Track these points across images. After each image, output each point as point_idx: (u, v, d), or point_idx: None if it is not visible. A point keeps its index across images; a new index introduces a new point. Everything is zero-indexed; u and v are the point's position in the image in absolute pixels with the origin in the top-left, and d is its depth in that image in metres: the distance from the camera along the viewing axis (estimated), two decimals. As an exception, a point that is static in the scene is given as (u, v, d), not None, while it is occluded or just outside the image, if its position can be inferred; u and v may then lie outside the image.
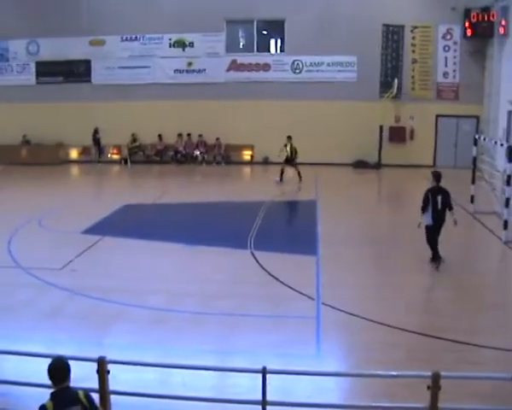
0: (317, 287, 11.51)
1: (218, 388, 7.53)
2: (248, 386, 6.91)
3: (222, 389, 7.51)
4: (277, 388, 6.68)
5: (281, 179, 23.45)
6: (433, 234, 12.68)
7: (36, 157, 29.21)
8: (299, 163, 23.65)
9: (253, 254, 13.78)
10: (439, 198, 12.47)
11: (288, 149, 23.53)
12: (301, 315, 10.15)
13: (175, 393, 6.89)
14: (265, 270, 12.62)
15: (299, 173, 23.42)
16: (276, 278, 12.04)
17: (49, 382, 5.04)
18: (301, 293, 11.13)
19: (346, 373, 8.00)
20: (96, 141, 29.44)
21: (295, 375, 7.18)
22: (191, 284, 11.90)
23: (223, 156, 28.41)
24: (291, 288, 11.42)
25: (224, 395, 7.19)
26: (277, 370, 6.78)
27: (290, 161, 23.65)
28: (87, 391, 5.20)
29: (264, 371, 6.20)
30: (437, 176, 12.69)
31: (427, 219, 12.61)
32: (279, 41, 28.86)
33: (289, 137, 23.65)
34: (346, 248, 14.39)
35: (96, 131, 29.22)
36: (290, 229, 17.99)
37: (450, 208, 12.61)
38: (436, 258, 12.70)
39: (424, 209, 12.56)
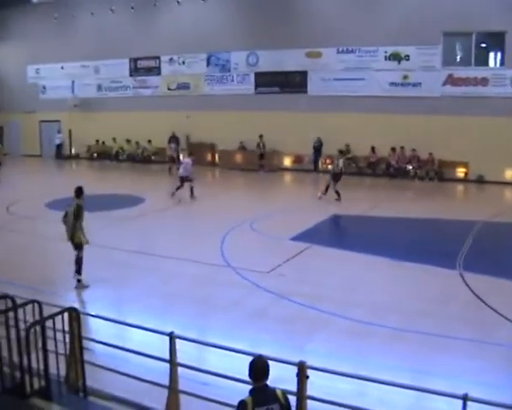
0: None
1: (415, 408, 7.40)
2: (446, 411, 6.71)
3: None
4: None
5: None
6: None
7: (251, 163, 30.68)
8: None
9: (461, 275, 13.29)
10: None
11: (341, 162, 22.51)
12: (506, 343, 9.65)
13: (370, 406, 6.86)
14: (473, 292, 12.11)
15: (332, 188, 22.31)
16: (484, 302, 11.52)
17: (248, 379, 5.26)
18: (509, 320, 10.54)
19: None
20: (317, 149, 29.96)
21: (497, 407, 6.83)
22: (394, 300, 11.80)
23: (436, 172, 27.62)
24: (498, 313, 10.87)
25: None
26: (479, 399, 6.47)
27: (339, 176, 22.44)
28: (284, 391, 5.34)
29: (465, 399, 5.95)
30: None
31: None
32: (499, 54, 27.38)
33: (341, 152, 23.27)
34: None
35: (319, 140, 29.71)
36: (506, 252, 16.76)
37: None
38: None
39: None
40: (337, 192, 22.18)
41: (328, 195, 22.19)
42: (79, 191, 12.98)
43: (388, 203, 22.58)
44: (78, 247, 12.87)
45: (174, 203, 22.30)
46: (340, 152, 23.62)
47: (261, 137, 30.54)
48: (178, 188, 22.70)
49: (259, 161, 31.03)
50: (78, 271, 12.82)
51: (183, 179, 22.60)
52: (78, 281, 12.84)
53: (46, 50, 37.52)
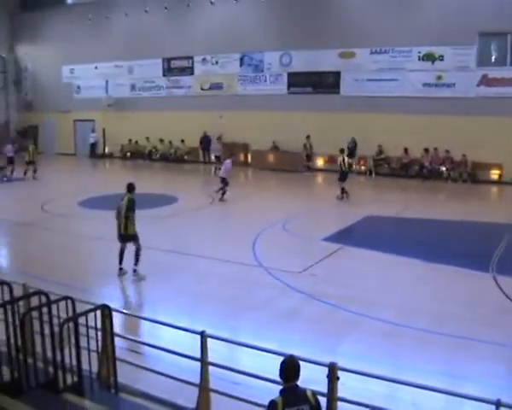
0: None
1: (447, 412, 7.33)
2: (479, 417, 6.62)
3: (451, 414, 7.29)
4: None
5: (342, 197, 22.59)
6: None
7: (283, 163, 30.66)
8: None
9: (494, 278, 13.11)
10: None
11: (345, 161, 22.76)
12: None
13: (401, 409, 6.83)
14: (506, 295, 11.94)
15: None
16: (518, 306, 11.36)
17: (278, 379, 5.25)
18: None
19: None
20: (351, 150, 29.68)
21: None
22: (425, 301, 11.70)
23: (469, 174, 27.29)
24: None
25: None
26: (512, 405, 6.38)
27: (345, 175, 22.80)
28: (314, 392, 5.32)
29: (498, 404, 5.85)
30: None
31: None
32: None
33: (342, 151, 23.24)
34: None
35: (353, 141, 29.48)
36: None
37: None
38: None
39: None
40: (342, 190, 22.76)
41: (358, 196, 22.06)
42: (131, 187, 13.51)
43: (421, 205, 22.38)
44: (134, 238, 13.32)
45: (207, 203, 22.41)
46: (341, 151, 23.54)
47: (308, 137, 30.28)
48: (221, 189, 22.65)
49: (306, 162, 30.87)
50: (136, 262, 13.23)
51: (224, 180, 22.70)
52: (134, 271, 13.25)
53: (80, 51, 38.00)
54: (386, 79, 28.73)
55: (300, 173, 29.46)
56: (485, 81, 26.78)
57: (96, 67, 38.35)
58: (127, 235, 13.31)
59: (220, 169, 23.86)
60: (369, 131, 28.69)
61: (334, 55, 29.90)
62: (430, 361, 8.95)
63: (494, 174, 27.18)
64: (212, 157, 32.70)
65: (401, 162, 28.97)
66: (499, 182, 26.94)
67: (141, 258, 13.30)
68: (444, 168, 27.75)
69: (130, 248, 13.43)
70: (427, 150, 27.96)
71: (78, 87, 39.92)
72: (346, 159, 23.09)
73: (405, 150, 28.56)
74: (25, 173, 28.34)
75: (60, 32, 38.68)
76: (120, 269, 13.44)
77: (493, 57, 27.57)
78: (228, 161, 23.18)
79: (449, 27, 26.40)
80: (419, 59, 28.04)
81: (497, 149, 26.08)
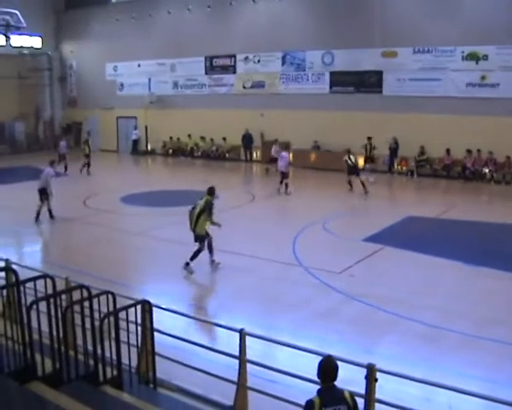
0: None
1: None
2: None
3: (489, 420, 7.19)
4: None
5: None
6: None
7: (324, 162, 30.52)
8: None
9: (538, 283, 12.88)
10: None
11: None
12: None
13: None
14: (551, 301, 11.74)
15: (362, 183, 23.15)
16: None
17: (316, 378, 5.26)
18: None
19: None
20: (393, 150, 29.40)
21: None
22: (466, 305, 11.56)
23: (513, 176, 26.80)
24: None
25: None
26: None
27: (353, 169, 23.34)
28: (352, 392, 5.30)
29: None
30: None
31: None
32: None
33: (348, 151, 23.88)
34: None
35: (395, 141, 29.14)
36: None
37: None
38: None
39: None
40: (349, 183, 23.79)
41: (399, 196, 21.82)
42: (211, 190, 14.20)
43: (463, 206, 22.04)
44: (200, 238, 13.76)
45: (248, 201, 22.50)
46: (348, 151, 23.99)
47: (369, 139, 29.13)
48: (282, 183, 23.72)
49: (369, 164, 30.18)
50: (192, 257, 13.68)
51: (284, 175, 23.68)
52: (187, 264, 13.67)
53: (124, 48, 38.45)
54: (429, 78, 28.30)
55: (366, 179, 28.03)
56: (530, 81, 26.22)
57: (139, 65, 38.74)
58: (195, 233, 13.78)
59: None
60: (410, 131, 28.35)
61: (376, 54, 29.62)
62: (469, 365, 8.86)
63: (539, 177, 26.61)
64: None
65: (443, 163, 28.58)
66: (544, 184, 26.38)
67: (198, 257, 13.68)
68: (487, 170, 27.27)
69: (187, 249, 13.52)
70: (469, 151, 27.52)
71: (122, 84, 40.39)
72: (351, 157, 23.73)
73: (447, 151, 28.16)
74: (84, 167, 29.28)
75: (104, 29, 39.20)
76: (187, 264, 13.77)
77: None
78: (285, 154, 23.95)
79: (493, 26, 25.93)
80: (462, 58, 27.57)
81: (542, 151, 25.56)
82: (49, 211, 19.32)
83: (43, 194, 19.12)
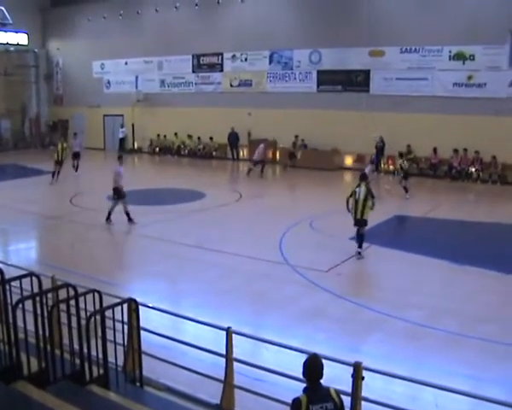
0: None
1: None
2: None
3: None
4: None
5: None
6: None
7: (311, 161, 30.53)
8: None
9: (523, 281, 12.96)
10: None
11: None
12: None
13: (425, 410, 6.80)
14: (536, 299, 11.82)
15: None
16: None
17: (301, 376, 5.24)
18: None
19: None
20: (379, 149, 29.37)
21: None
22: (452, 303, 11.61)
23: (499, 175, 26.93)
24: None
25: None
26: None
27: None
28: (338, 390, 5.28)
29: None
30: None
31: None
32: None
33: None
34: None
35: (381, 140, 29.17)
36: None
37: None
38: None
39: None
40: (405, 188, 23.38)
41: (386, 195, 21.86)
42: (364, 176, 15.50)
43: (450, 206, 22.15)
44: (364, 224, 14.83)
45: (234, 199, 22.47)
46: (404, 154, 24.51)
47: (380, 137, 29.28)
48: (250, 170, 27.29)
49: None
50: (360, 245, 14.68)
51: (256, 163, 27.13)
52: (359, 253, 14.59)
53: (111, 46, 38.30)
54: (416, 78, 28.43)
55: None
56: (517, 81, 26.37)
57: (126, 63, 38.63)
58: (362, 220, 14.74)
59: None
60: (397, 130, 28.46)
61: (363, 53, 29.68)
62: (456, 363, 8.90)
63: (524, 176, 26.79)
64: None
65: (430, 162, 28.72)
66: (529, 184, 26.55)
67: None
68: (473, 169, 27.42)
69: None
70: (456, 151, 27.66)
71: (108, 82, 40.25)
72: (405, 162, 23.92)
73: (434, 150, 28.30)
74: (53, 176, 26.29)
75: (91, 27, 39.00)
76: (359, 253, 14.61)
77: (525, 57, 27.12)
78: (261, 145, 26.73)
79: (480, 26, 26.02)
80: (449, 58, 27.69)
81: (527, 151, 25.71)
82: (126, 213, 18.14)
83: (116, 193, 18.27)
